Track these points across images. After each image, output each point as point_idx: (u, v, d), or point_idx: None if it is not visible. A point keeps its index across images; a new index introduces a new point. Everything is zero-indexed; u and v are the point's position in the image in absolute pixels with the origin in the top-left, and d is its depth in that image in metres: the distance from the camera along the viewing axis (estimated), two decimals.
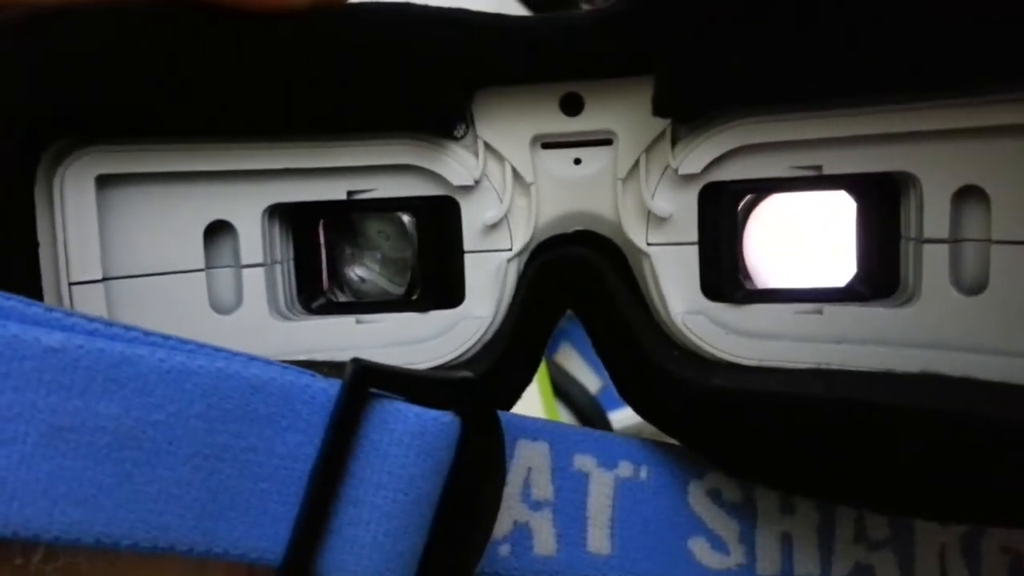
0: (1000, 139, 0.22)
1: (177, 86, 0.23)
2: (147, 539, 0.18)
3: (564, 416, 0.63)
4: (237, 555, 0.19)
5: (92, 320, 0.19)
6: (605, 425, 0.63)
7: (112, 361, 0.18)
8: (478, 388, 0.21)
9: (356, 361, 0.20)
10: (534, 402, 0.59)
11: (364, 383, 0.20)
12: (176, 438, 0.19)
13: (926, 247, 0.23)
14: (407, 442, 0.20)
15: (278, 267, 0.27)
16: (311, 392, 0.20)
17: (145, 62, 0.23)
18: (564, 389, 0.64)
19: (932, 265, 0.23)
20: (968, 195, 0.23)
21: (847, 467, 0.22)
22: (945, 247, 0.23)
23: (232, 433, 0.19)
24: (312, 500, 0.19)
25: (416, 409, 0.20)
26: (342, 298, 0.28)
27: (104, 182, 0.24)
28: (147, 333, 0.19)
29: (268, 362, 0.20)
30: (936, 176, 0.23)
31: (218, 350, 0.20)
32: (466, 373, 0.21)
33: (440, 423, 0.20)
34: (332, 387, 0.20)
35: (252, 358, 0.20)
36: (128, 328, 0.19)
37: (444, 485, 0.20)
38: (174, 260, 0.25)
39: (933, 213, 0.23)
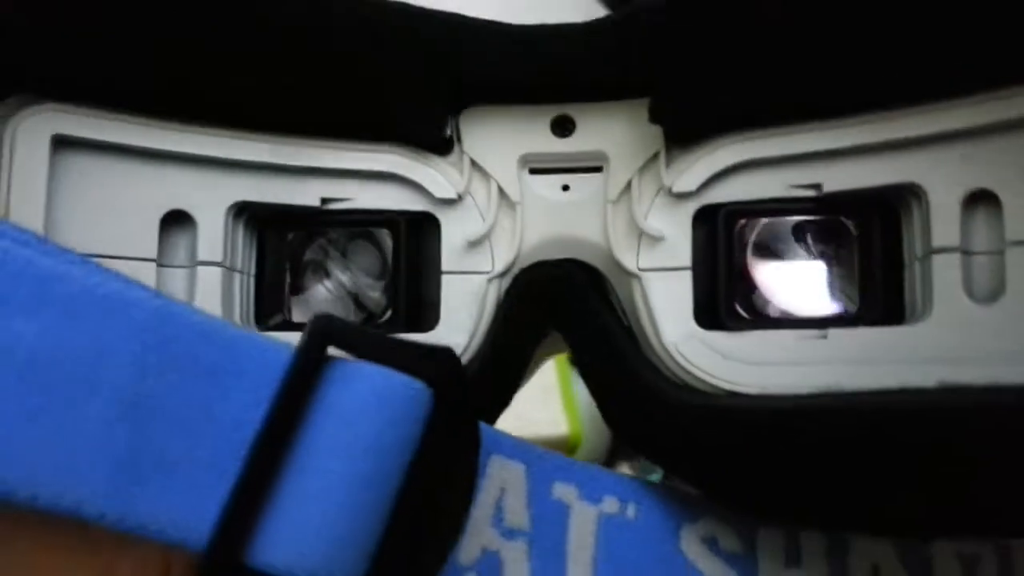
0: (1009, 136, 0.21)
1: (142, 60, 0.22)
2: (49, 492, 0.15)
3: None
4: (155, 531, 0.16)
5: (24, 232, 0.16)
6: None
7: (39, 274, 0.16)
8: (457, 363, 0.19)
9: (320, 315, 0.18)
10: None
11: (327, 339, 0.17)
12: (101, 375, 0.16)
13: (936, 258, 0.22)
14: (372, 404, 0.17)
15: (237, 276, 0.25)
16: (264, 349, 0.17)
17: (111, 25, 0.21)
18: None
19: (943, 276, 0.22)
20: (977, 201, 0.22)
21: (866, 485, 0.20)
22: (956, 256, 0.22)
23: (168, 383, 0.17)
24: (251, 473, 0.16)
25: (385, 371, 0.17)
26: (299, 317, 0.26)
27: (60, 146, 0.23)
28: (85, 260, 0.17)
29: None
30: (943, 183, 0.22)
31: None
32: (445, 345, 0.19)
33: (411, 389, 0.17)
34: (287, 349, 0.17)
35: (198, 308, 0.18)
36: (64, 250, 0.17)
37: (409, 466, 0.17)
38: (125, 245, 0.23)
39: (942, 222, 0.22)
